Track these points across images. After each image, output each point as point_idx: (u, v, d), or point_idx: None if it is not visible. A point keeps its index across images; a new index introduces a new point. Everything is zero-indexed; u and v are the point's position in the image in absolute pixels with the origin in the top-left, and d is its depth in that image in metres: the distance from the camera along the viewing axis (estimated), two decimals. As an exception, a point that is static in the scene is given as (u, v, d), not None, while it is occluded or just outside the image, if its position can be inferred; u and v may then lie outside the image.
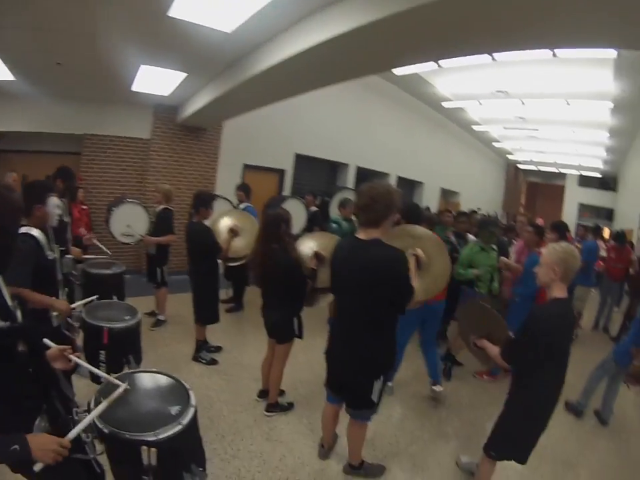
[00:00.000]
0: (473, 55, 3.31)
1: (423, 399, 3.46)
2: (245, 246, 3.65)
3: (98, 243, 4.28)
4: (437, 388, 3.40)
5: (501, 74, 7.39)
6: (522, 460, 2.10)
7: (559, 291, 1.95)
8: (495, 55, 5.91)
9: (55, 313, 2.24)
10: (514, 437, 2.08)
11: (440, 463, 2.68)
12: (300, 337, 2.96)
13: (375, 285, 2.00)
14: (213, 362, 3.65)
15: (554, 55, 5.71)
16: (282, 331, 2.92)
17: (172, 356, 3.64)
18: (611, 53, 5.50)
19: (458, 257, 3.93)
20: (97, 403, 1.38)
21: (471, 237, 4.77)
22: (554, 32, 2.56)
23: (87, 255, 3.69)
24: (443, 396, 3.45)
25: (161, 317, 4.38)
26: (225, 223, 3.80)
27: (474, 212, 7.25)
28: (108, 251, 4.26)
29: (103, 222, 4.56)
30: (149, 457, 1.28)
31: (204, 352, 3.68)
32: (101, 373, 1.61)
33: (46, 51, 4.03)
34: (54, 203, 2.28)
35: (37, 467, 1.12)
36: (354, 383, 2.20)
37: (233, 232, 3.67)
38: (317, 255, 2.94)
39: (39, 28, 3.51)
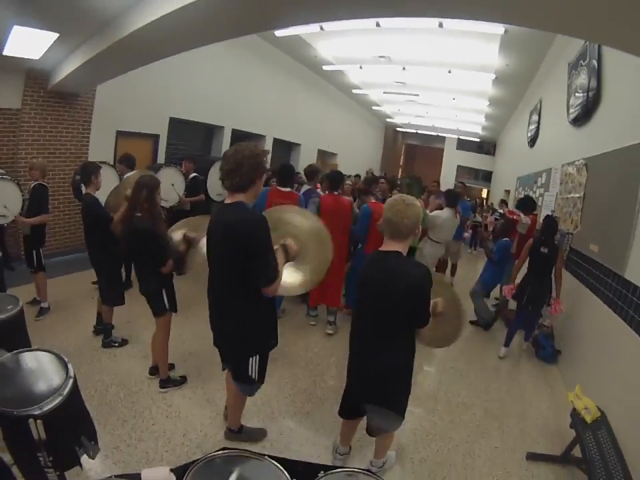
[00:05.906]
0: (357, 18, 3.31)
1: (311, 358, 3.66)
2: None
3: None
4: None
5: (384, 40, 7.44)
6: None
7: (384, 243, 1.92)
8: (380, 21, 6.03)
9: None
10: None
11: (336, 420, 2.50)
12: (172, 310, 2.85)
13: (230, 249, 1.87)
14: (124, 342, 3.51)
15: (440, 25, 5.88)
16: (153, 303, 2.80)
17: (61, 345, 3.33)
18: (499, 29, 5.84)
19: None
20: None
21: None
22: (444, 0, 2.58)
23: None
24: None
25: (43, 305, 3.95)
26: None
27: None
28: None
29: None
30: (37, 431, 1.35)
31: (113, 335, 3.49)
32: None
33: None
34: None
35: None
36: (229, 356, 2.20)
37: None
38: (185, 238, 2.69)
39: None
